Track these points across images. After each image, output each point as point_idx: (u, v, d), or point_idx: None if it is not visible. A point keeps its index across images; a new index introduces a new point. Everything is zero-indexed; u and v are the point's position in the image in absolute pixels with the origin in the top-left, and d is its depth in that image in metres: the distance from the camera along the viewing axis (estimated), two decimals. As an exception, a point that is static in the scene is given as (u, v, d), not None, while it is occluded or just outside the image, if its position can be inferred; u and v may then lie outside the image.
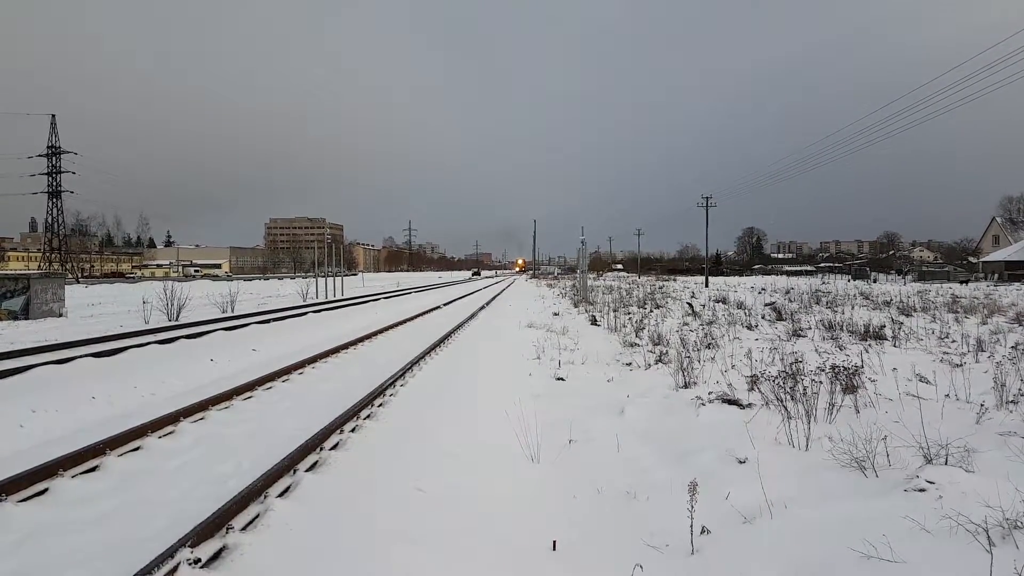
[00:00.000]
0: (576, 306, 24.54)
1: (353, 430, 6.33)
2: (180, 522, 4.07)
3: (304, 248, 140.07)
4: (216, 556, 3.61)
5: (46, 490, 4.72)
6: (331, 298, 30.72)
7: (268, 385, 8.85)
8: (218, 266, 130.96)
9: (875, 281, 52.01)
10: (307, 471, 5.02)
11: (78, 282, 61.73)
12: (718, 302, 23.47)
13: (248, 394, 8.23)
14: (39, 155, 75.92)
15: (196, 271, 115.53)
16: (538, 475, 5.34)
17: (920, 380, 7.34)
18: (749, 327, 14.56)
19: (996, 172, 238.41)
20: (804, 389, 6.00)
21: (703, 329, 13.77)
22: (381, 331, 15.83)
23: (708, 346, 11.21)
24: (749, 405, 6.56)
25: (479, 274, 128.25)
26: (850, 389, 6.37)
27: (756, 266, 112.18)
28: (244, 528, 3.95)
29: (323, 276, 36.85)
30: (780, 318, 16.50)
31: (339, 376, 9.86)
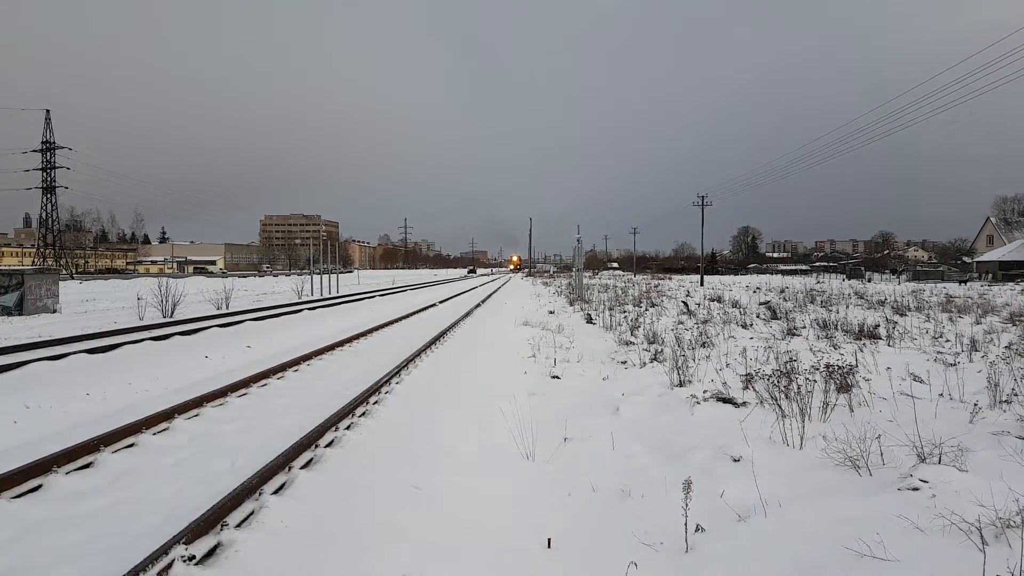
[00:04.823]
0: (571, 304, 24.55)
1: (348, 427, 6.32)
2: (174, 519, 4.06)
3: (299, 245, 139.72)
4: (210, 553, 3.61)
5: (40, 486, 4.69)
6: (326, 295, 30.65)
7: (263, 382, 8.82)
8: (212, 262, 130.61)
9: (870, 280, 52.15)
10: (302, 468, 5.01)
11: (72, 278, 61.41)
12: (713, 301, 23.51)
13: (243, 391, 8.20)
14: (33, 150, 75.38)
15: (267, 268, 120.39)
16: (533, 473, 5.35)
17: (914, 379, 7.37)
18: (744, 326, 14.59)
19: (990, 173, 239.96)
20: (799, 388, 6.02)
21: (698, 328, 13.80)
22: (376, 329, 15.81)
23: (703, 345, 11.23)
24: (744, 404, 6.58)
25: (475, 272, 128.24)
26: (844, 388, 6.39)
27: (751, 265, 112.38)
28: (239, 525, 3.94)
29: (318, 273, 36.76)
30: (775, 317, 16.55)
31: (334, 373, 9.84)
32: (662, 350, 10.65)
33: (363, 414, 6.92)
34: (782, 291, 30.21)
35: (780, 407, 5.89)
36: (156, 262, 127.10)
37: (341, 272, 57.23)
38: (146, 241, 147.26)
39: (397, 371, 9.37)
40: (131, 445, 5.79)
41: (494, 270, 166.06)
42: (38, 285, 19.71)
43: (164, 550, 3.40)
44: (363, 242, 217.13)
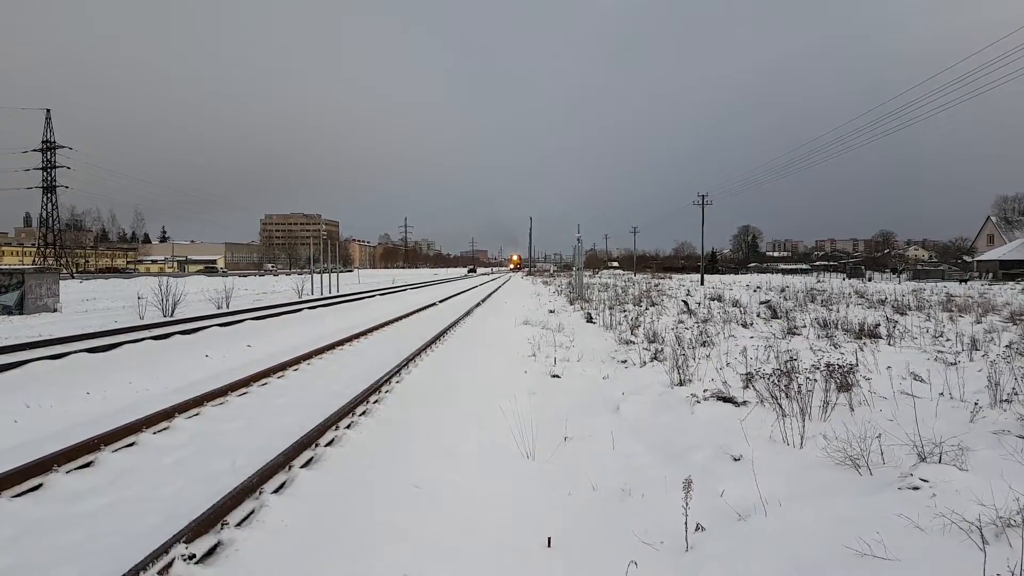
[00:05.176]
0: (571, 304, 24.55)
1: (349, 427, 6.32)
2: (175, 518, 4.06)
3: (300, 244, 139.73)
4: (211, 552, 3.61)
5: (40, 485, 4.70)
6: (327, 294, 30.65)
7: (263, 381, 8.83)
8: (214, 262, 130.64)
9: (870, 279, 52.14)
10: (302, 467, 5.01)
11: (72, 277, 61.45)
12: (713, 300, 23.51)
13: (243, 390, 8.20)
14: (34, 150, 75.42)
15: (272, 267, 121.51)
16: (534, 472, 5.35)
17: (914, 379, 7.36)
18: (744, 325, 14.59)
19: (991, 172, 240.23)
20: (799, 387, 6.02)
21: (698, 327, 13.79)
22: (376, 328, 15.81)
23: (703, 344, 11.23)
24: (744, 403, 6.58)
25: (475, 271, 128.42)
26: (845, 387, 6.39)
27: (751, 264, 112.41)
28: (239, 524, 3.94)
29: (319, 272, 36.76)
30: (775, 316, 16.54)
31: (335, 372, 9.84)
32: (662, 349, 10.64)
33: (363, 413, 6.92)
34: (782, 290, 30.20)
35: (780, 406, 5.89)
36: (156, 261, 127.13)
37: (341, 271, 57.26)
38: (146, 240, 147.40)
39: (397, 370, 9.37)
40: (131, 444, 5.79)
41: (494, 269, 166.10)
42: (38, 284, 19.71)
43: (164, 549, 3.40)
44: (363, 241, 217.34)
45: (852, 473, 4.40)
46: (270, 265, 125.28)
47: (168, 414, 6.63)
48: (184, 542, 3.52)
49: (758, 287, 35.62)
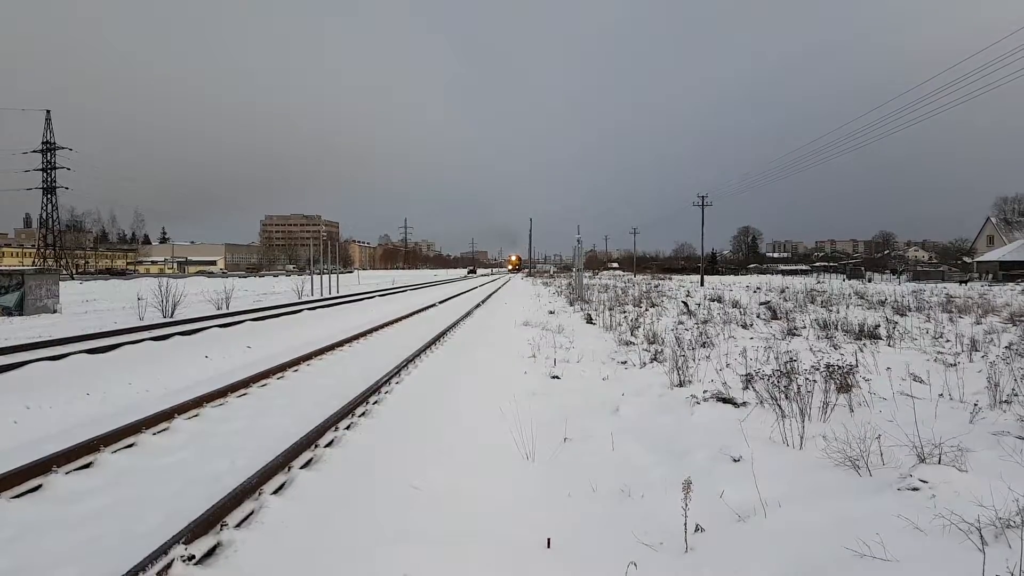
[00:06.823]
0: (572, 304, 24.54)
1: (348, 427, 6.32)
2: (174, 519, 4.06)
3: (300, 245, 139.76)
4: (210, 553, 3.61)
5: (40, 486, 4.70)
6: (326, 295, 30.65)
7: (263, 382, 8.83)
8: (213, 263, 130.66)
9: (870, 281, 52.14)
10: (302, 468, 5.01)
11: (72, 278, 61.45)
12: (713, 301, 23.50)
13: (243, 391, 8.20)
14: (34, 151, 75.55)
15: (292, 268, 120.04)
16: (533, 473, 5.35)
17: (914, 379, 7.36)
18: (744, 326, 14.58)
19: (991, 173, 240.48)
20: (798, 388, 6.01)
21: (698, 328, 13.78)
22: (376, 329, 15.81)
23: (703, 345, 11.22)
24: (744, 404, 6.57)
25: (475, 272, 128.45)
26: (844, 388, 6.38)
27: (751, 265, 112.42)
28: (238, 525, 3.94)
29: (318, 273, 36.76)
30: (775, 317, 16.54)
31: (334, 373, 9.84)
32: (662, 350, 10.64)
33: (363, 414, 6.92)
34: (782, 291, 30.20)
35: (780, 407, 5.88)
36: (156, 262, 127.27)
37: (341, 272, 57.28)
38: (146, 241, 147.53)
39: (397, 371, 9.37)
40: (131, 445, 5.79)
41: (494, 270, 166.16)
42: (38, 285, 19.73)
43: (164, 550, 3.40)
44: (363, 242, 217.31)
45: (852, 474, 4.40)
46: (291, 267, 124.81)
47: (168, 415, 6.63)
48: (183, 543, 3.52)
49: (758, 288, 35.63)
